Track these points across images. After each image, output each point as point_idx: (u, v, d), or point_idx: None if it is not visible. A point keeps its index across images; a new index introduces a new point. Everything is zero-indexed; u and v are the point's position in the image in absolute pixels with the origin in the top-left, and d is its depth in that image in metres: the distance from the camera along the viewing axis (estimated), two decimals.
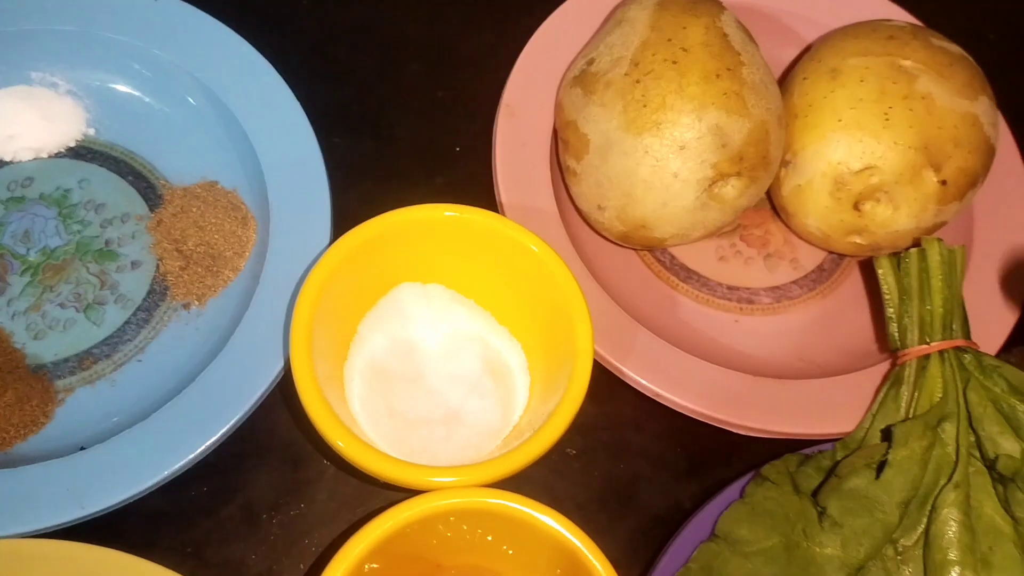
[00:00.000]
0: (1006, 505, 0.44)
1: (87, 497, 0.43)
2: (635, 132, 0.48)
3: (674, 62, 0.49)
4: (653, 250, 0.55)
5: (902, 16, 0.60)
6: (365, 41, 0.62)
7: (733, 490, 0.47)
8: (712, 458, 0.51)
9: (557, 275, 0.47)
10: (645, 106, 0.48)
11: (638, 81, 0.49)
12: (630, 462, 0.52)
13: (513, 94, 0.55)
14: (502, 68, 0.56)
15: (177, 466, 0.45)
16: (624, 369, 0.49)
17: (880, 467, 0.45)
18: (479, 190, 0.54)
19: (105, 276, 0.51)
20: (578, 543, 0.42)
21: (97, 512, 0.43)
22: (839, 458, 0.46)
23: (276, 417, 0.50)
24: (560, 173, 0.55)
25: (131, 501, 0.44)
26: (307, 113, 0.54)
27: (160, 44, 0.54)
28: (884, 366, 0.51)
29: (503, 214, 0.52)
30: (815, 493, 0.45)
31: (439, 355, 0.50)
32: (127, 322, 0.50)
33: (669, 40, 0.50)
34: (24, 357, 0.49)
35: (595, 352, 0.47)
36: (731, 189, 0.49)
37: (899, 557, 0.44)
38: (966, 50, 0.53)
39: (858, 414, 0.49)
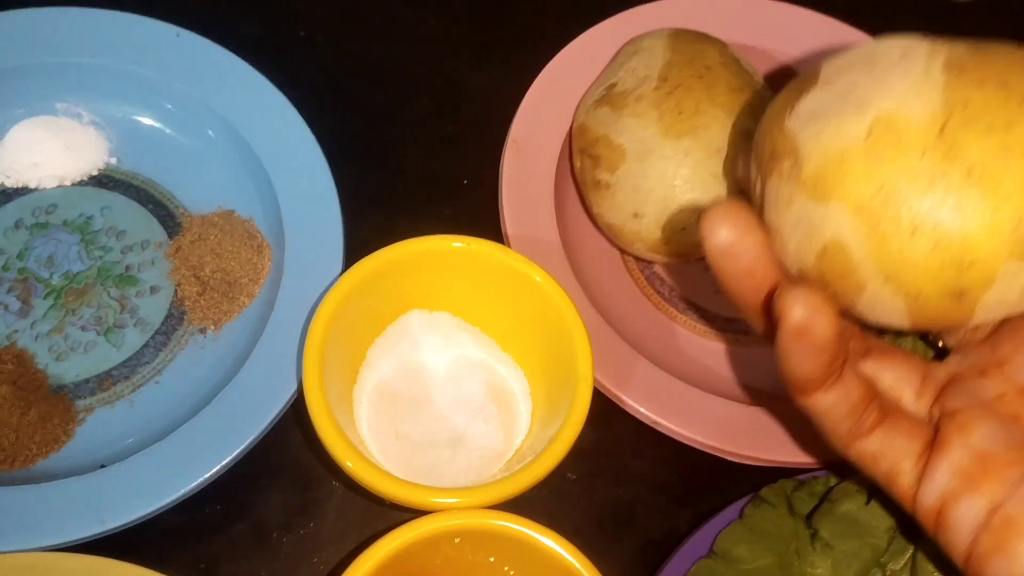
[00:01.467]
0: None
1: (107, 513, 0.45)
2: (674, 136, 0.51)
3: (700, 77, 0.53)
4: (685, 258, 0.56)
5: None
6: (377, 77, 0.64)
7: (728, 513, 0.48)
8: (708, 484, 0.53)
9: (560, 305, 0.49)
10: (680, 113, 0.51)
11: (670, 93, 0.52)
12: (629, 487, 0.53)
13: (520, 130, 0.57)
14: (508, 104, 0.59)
15: (194, 484, 0.46)
16: (623, 397, 0.51)
17: (871, 493, 0.46)
18: (486, 220, 0.56)
19: (125, 300, 0.53)
20: (576, 564, 0.44)
21: (117, 527, 0.45)
22: (832, 484, 0.48)
23: (288, 439, 0.52)
24: (580, 196, 0.58)
25: (148, 518, 0.46)
26: (321, 146, 0.56)
27: (182, 78, 0.57)
28: None
29: (509, 245, 0.54)
30: (809, 516, 0.47)
31: (445, 380, 0.52)
32: (146, 345, 0.52)
33: (691, 60, 0.53)
34: (47, 378, 0.51)
35: (595, 380, 0.49)
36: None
37: (881, 574, 0.45)
38: None
39: None
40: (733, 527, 0.47)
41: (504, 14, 0.68)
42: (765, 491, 0.48)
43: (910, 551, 0.45)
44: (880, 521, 0.45)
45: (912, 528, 0.44)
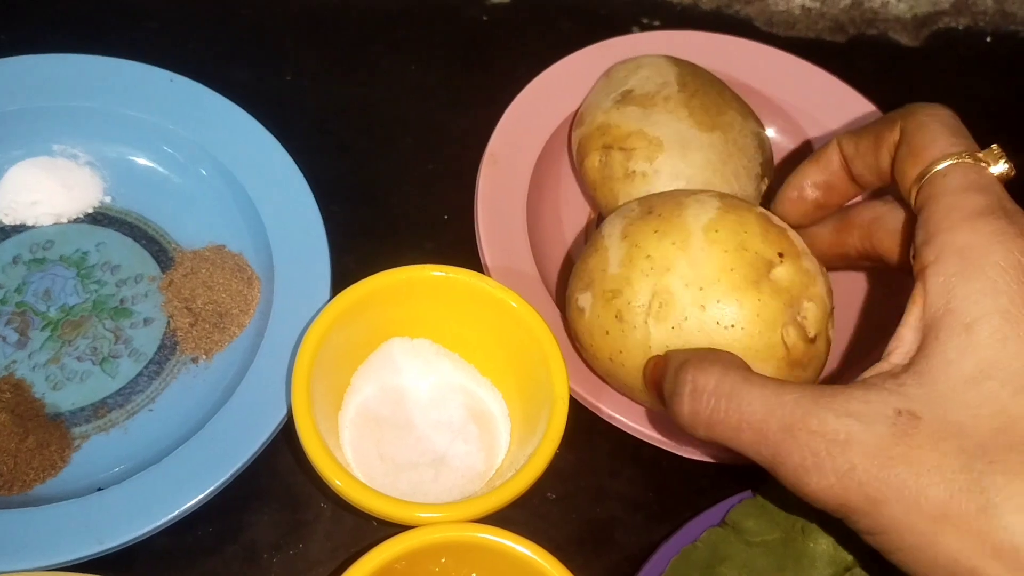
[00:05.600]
0: None
1: (104, 534, 0.47)
2: (706, 130, 0.56)
3: (712, 83, 0.59)
4: None
5: (861, 102, 0.66)
6: (362, 119, 0.67)
7: (706, 517, 0.51)
8: (683, 502, 0.55)
9: (535, 329, 0.52)
10: (707, 111, 0.57)
11: (693, 94, 0.58)
12: (606, 505, 0.55)
13: (497, 145, 0.61)
14: (485, 144, 0.62)
15: (188, 505, 0.48)
16: (600, 406, 0.53)
17: None
18: (465, 253, 0.59)
19: (120, 332, 0.55)
20: (553, 572, 0.46)
21: (114, 548, 0.47)
22: None
23: (278, 462, 0.54)
24: (589, 196, 0.62)
25: (143, 538, 0.48)
26: (308, 183, 0.59)
27: (174, 120, 0.60)
28: None
29: (487, 272, 0.57)
30: None
31: (426, 404, 0.54)
32: (139, 374, 0.54)
33: (696, 72, 0.60)
34: (44, 406, 0.53)
35: (573, 391, 0.51)
36: (765, 187, 0.58)
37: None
38: None
39: None
40: (746, 503, 0.50)
41: (481, 59, 0.71)
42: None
43: None
44: None
45: None
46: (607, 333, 0.50)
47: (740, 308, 0.47)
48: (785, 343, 0.48)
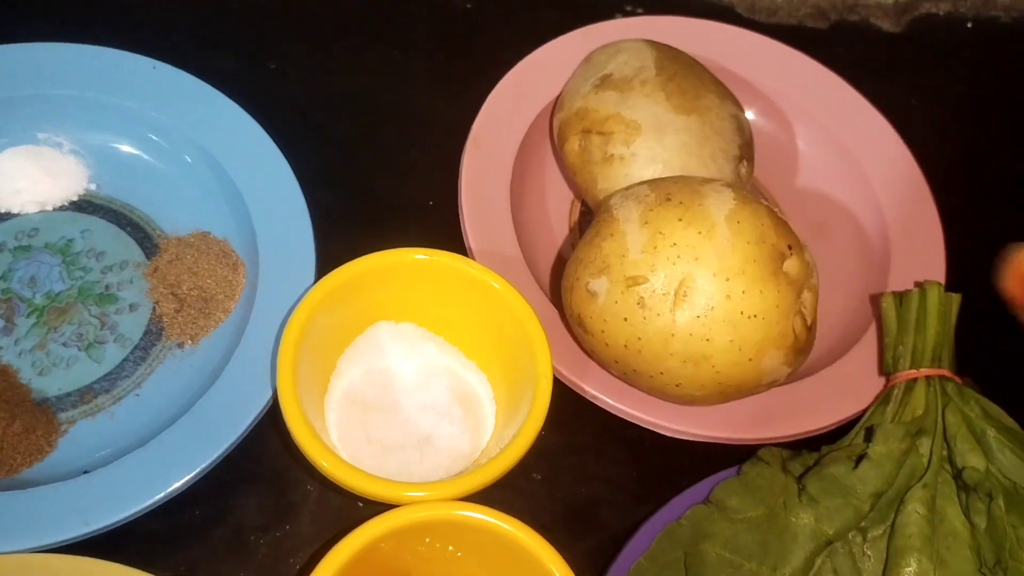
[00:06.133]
0: (967, 512, 0.48)
1: (91, 515, 0.47)
2: (684, 113, 0.57)
3: (691, 67, 0.60)
4: None
5: (843, 87, 0.67)
6: (346, 107, 0.68)
7: (689, 495, 0.51)
8: (666, 481, 0.55)
9: (518, 310, 0.52)
10: (684, 94, 0.58)
11: (671, 78, 0.58)
12: (590, 486, 0.56)
13: (480, 129, 0.62)
14: (468, 132, 0.62)
15: (174, 487, 0.49)
16: (583, 386, 0.54)
17: (859, 461, 0.50)
18: (450, 239, 0.59)
19: (105, 318, 0.56)
20: (536, 547, 0.46)
21: (100, 529, 0.47)
22: (823, 455, 0.52)
23: (264, 446, 0.54)
24: (569, 180, 0.63)
25: (131, 520, 0.48)
26: (293, 171, 0.59)
27: (158, 107, 0.60)
28: (837, 378, 0.56)
29: (472, 256, 0.57)
30: (800, 477, 0.50)
31: (412, 386, 0.54)
32: (125, 360, 0.55)
33: (675, 57, 0.60)
34: (30, 391, 0.53)
35: (556, 372, 0.52)
36: (744, 169, 0.59)
37: (865, 544, 0.48)
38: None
39: (812, 419, 0.55)
40: (729, 481, 0.50)
41: (465, 47, 0.72)
42: (763, 452, 0.52)
43: (891, 519, 0.48)
44: (865, 486, 0.49)
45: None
46: (625, 320, 0.50)
47: (763, 298, 0.48)
48: (794, 331, 0.50)
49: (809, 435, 0.55)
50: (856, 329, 0.59)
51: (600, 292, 0.50)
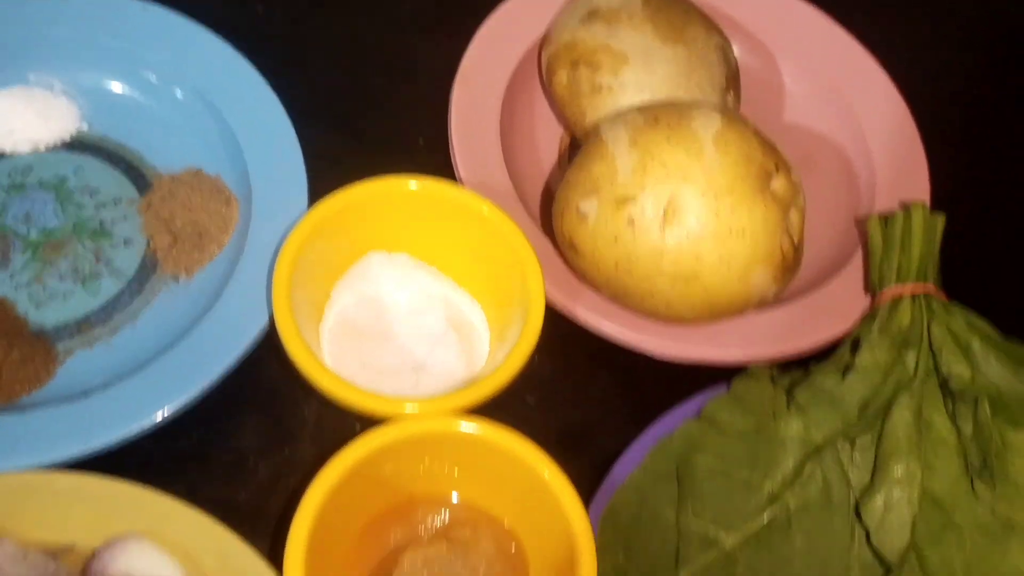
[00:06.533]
0: (953, 419, 0.49)
1: (91, 434, 0.48)
2: (671, 43, 0.58)
3: (677, 1, 0.60)
4: None
5: (823, 19, 0.68)
6: (335, 51, 0.68)
7: (681, 411, 0.52)
8: (658, 403, 0.55)
9: (509, 235, 0.53)
10: (671, 25, 0.58)
11: (658, 10, 0.59)
12: (583, 409, 0.57)
13: (468, 65, 0.62)
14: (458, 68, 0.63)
15: (174, 408, 0.49)
16: (575, 310, 0.55)
17: (846, 372, 0.51)
18: (440, 176, 0.59)
19: (100, 252, 0.56)
20: (531, 456, 0.47)
21: (100, 448, 0.48)
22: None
23: (261, 374, 0.54)
24: (559, 112, 0.62)
25: (130, 441, 0.49)
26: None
27: (149, 47, 0.60)
28: (824, 300, 0.57)
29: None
30: (789, 390, 0.51)
31: (406, 314, 0.55)
32: (121, 292, 0.55)
33: None
34: (27, 323, 0.53)
35: (548, 297, 0.52)
36: (731, 99, 0.59)
37: (853, 452, 0.49)
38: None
39: (801, 340, 0.55)
40: (720, 397, 0.51)
41: None
42: (752, 368, 0.52)
43: (878, 427, 0.49)
44: (852, 395, 0.50)
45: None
46: (615, 240, 0.51)
47: (750, 216, 0.49)
48: (782, 249, 0.50)
49: (798, 355, 0.56)
50: (843, 256, 0.60)
51: (591, 213, 0.51)
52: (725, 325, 0.55)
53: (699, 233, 0.49)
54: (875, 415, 0.49)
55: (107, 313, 0.55)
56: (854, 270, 0.59)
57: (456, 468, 0.50)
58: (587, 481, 0.53)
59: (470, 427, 0.47)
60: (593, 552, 0.45)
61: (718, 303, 0.51)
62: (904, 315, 0.53)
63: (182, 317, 0.54)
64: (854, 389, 0.50)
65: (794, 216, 0.51)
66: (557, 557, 0.47)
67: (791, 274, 0.52)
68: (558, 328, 0.56)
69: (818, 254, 0.60)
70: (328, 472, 0.45)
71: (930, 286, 0.54)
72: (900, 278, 0.54)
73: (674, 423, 0.52)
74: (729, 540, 0.48)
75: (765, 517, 0.48)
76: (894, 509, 0.46)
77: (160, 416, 0.49)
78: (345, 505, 0.47)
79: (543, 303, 0.51)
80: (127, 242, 0.57)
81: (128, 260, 0.56)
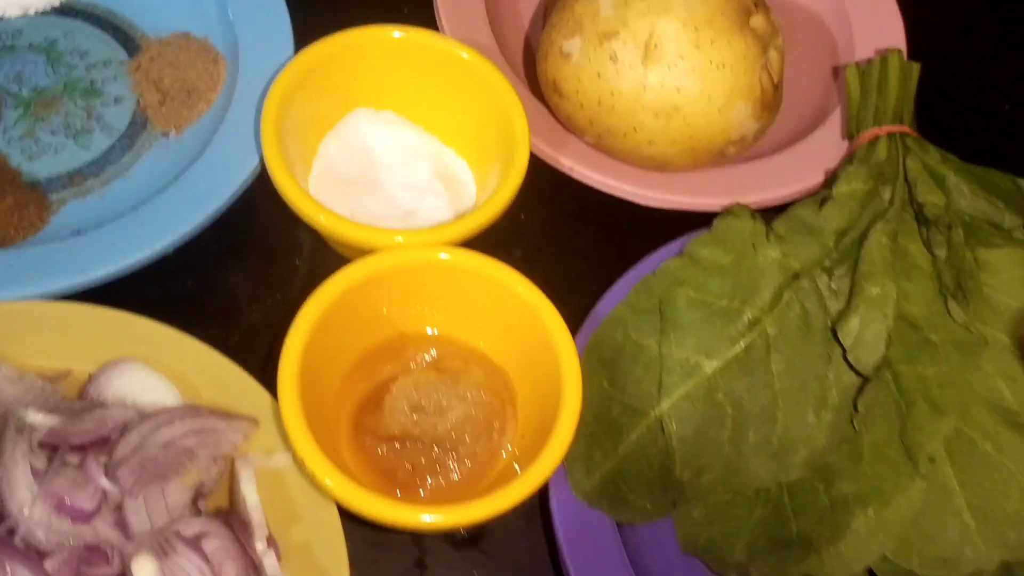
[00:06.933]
0: (928, 245, 0.50)
1: (86, 266, 0.49)
2: None
3: None
4: None
5: None
6: None
7: (664, 251, 0.54)
8: (640, 255, 0.57)
9: (493, 80, 0.54)
10: None
11: None
12: (569, 261, 0.58)
13: None
14: None
15: (169, 243, 0.50)
16: (560, 159, 0.56)
17: (823, 201, 0.52)
18: None
19: (91, 110, 0.57)
20: (515, 283, 0.48)
21: (96, 280, 0.49)
22: None
23: (253, 224, 0.55)
24: None
25: (125, 276, 0.50)
26: None
27: None
28: (805, 152, 0.58)
29: None
30: (768, 223, 0.52)
31: (393, 166, 0.56)
32: (112, 147, 0.56)
33: None
34: (20, 174, 0.54)
35: (534, 147, 0.53)
36: None
37: (831, 282, 0.50)
38: None
39: (782, 187, 0.57)
40: (701, 236, 0.52)
41: None
42: (733, 207, 0.53)
43: (854, 257, 0.50)
44: (829, 224, 0.51)
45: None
46: (599, 76, 0.52)
47: (730, 48, 0.50)
48: (761, 84, 0.51)
49: (778, 202, 0.57)
50: (822, 113, 0.61)
51: (574, 52, 0.52)
52: (707, 174, 0.56)
53: (680, 65, 0.50)
54: (852, 244, 0.50)
55: (99, 166, 0.55)
56: (832, 126, 0.60)
57: (446, 306, 0.51)
58: (573, 325, 0.54)
59: (457, 255, 0.49)
60: (578, 373, 0.46)
61: (699, 139, 0.52)
62: (881, 151, 0.54)
63: (172, 170, 0.55)
64: (831, 218, 0.51)
65: (773, 55, 0.52)
66: (544, 390, 0.48)
67: (770, 113, 0.53)
68: (544, 186, 0.57)
69: (798, 112, 0.61)
70: (320, 295, 0.47)
71: (906, 127, 0.55)
72: (877, 121, 0.55)
73: (657, 263, 0.53)
74: (710, 366, 0.49)
75: (744, 343, 0.49)
76: (869, 326, 0.47)
77: (154, 251, 0.50)
78: (337, 334, 0.48)
79: (528, 140, 0.52)
80: (118, 100, 0.58)
81: (119, 117, 0.57)
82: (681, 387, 0.49)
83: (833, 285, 0.50)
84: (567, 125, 0.56)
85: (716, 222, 0.53)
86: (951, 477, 0.46)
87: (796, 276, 0.50)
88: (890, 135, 0.55)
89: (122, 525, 0.41)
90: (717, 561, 0.48)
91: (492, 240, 0.51)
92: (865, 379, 0.47)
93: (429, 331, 0.52)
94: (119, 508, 0.42)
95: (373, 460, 0.48)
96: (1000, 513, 0.46)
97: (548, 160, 0.56)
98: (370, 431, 0.48)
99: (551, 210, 0.59)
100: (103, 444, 0.44)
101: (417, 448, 0.48)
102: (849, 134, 0.57)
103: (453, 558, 0.50)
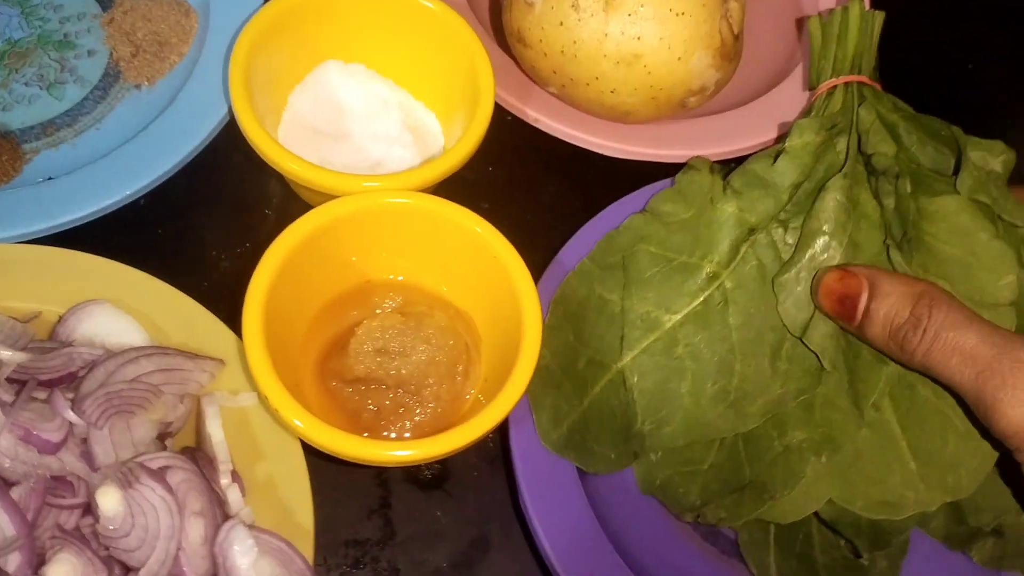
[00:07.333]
0: (877, 195, 0.50)
1: (56, 210, 0.50)
2: None
3: None
4: None
5: None
6: None
7: (628, 202, 0.55)
8: (605, 205, 0.58)
9: (456, 29, 0.54)
10: None
11: None
12: (536, 214, 0.59)
13: None
14: None
15: (137, 188, 0.51)
16: (526, 109, 0.57)
17: (777, 155, 0.52)
18: None
19: (64, 62, 0.58)
20: (481, 229, 0.49)
21: (64, 224, 0.50)
22: None
23: (225, 176, 0.56)
24: None
25: (93, 219, 0.51)
26: None
27: None
28: (766, 107, 0.59)
29: None
30: (726, 177, 0.52)
31: (362, 116, 0.57)
32: (85, 99, 0.57)
33: None
34: None
35: (501, 98, 0.54)
36: None
37: (786, 234, 0.50)
38: None
39: (743, 139, 0.58)
40: (664, 191, 0.53)
41: None
42: (694, 160, 0.53)
43: (807, 210, 0.50)
44: (783, 178, 0.51)
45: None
46: (561, 24, 0.52)
47: None
48: (721, 34, 0.52)
49: (737, 154, 0.58)
50: (785, 69, 0.62)
51: (537, 1, 0.53)
52: (671, 126, 0.57)
53: (640, 13, 0.51)
54: (806, 196, 0.51)
55: (72, 117, 0.56)
56: (795, 80, 0.61)
57: (412, 253, 0.52)
58: (538, 274, 0.55)
59: (419, 199, 0.49)
60: (539, 316, 0.47)
61: (660, 88, 0.53)
62: (836, 102, 0.54)
63: (144, 121, 0.56)
64: (785, 172, 0.51)
65: (733, 6, 0.53)
66: (507, 334, 0.49)
67: (730, 63, 0.54)
68: (512, 139, 0.58)
69: (763, 66, 0.62)
70: (285, 238, 0.47)
71: (863, 77, 0.55)
72: (835, 72, 0.56)
73: (619, 213, 0.54)
74: (670, 321, 0.49)
75: (703, 297, 0.50)
76: (804, 283, 0.48)
77: (123, 196, 0.51)
78: (303, 278, 0.49)
79: (492, 89, 0.52)
80: (91, 53, 0.58)
81: (92, 69, 0.58)
82: (642, 341, 0.49)
83: (788, 239, 0.50)
84: (532, 76, 0.57)
85: (678, 177, 0.54)
86: (894, 423, 0.47)
87: (752, 230, 0.50)
88: (847, 85, 0.55)
89: (88, 457, 0.43)
90: (673, 502, 0.49)
91: (461, 192, 0.52)
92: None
93: (396, 278, 0.53)
94: (85, 441, 0.43)
95: (338, 402, 0.49)
96: (939, 457, 0.47)
97: (515, 111, 0.57)
98: (335, 374, 0.49)
99: (518, 162, 0.60)
100: (70, 380, 0.45)
101: (381, 390, 0.49)
102: (810, 85, 0.57)
103: (418, 498, 0.51)
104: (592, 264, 0.52)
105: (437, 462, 0.51)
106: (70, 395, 0.44)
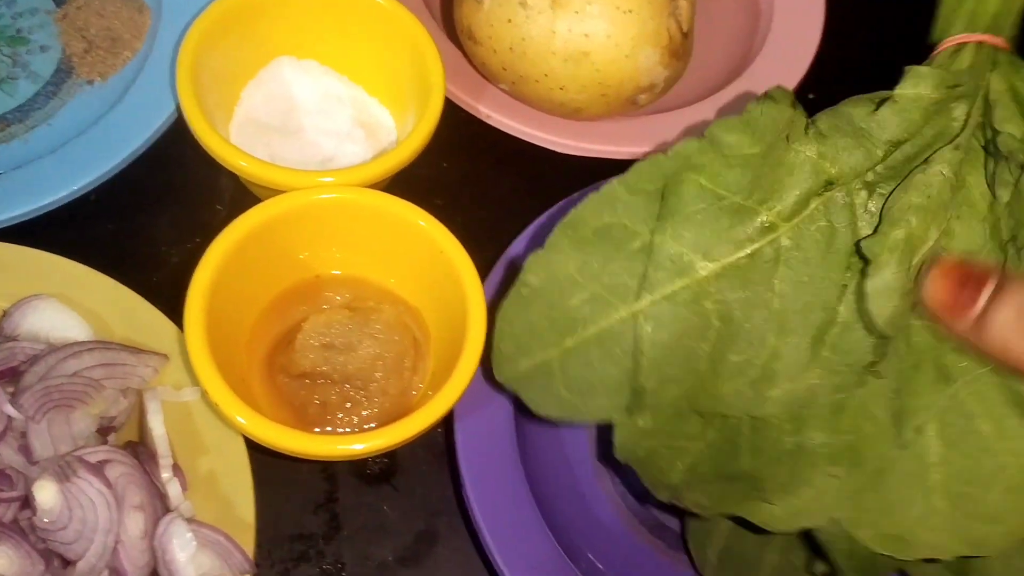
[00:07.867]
0: (991, 183, 0.43)
1: (3, 204, 0.50)
2: None
3: None
4: None
5: None
6: None
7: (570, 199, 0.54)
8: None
9: (406, 24, 0.54)
10: None
11: None
12: (489, 210, 0.59)
13: None
14: None
15: (85, 183, 0.51)
16: (478, 106, 0.57)
17: (881, 103, 0.43)
18: None
19: (17, 57, 0.58)
20: (428, 225, 0.49)
21: (12, 219, 0.50)
22: None
23: (176, 173, 0.56)
24: None
25: (43, 213, 0.51)
26: None
27: None
28: (715, 104, 0.59)
29: None
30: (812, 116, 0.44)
31: (314, 112, 0.57)
32: (37, 94, 0.57)
33: None
34: None
35: (453, 95, 0.55)
36: None
37: (870, 200, 0.42)
38: None
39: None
40: (730, 119, 0.43)
41: None
42: (773, 90, 0.44)
43: (903, 176, 0.42)
44: (882, 131, 0.43)
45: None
46: (509, 21, 0.52)
47: None
48: (669, 32, 0.52)
49: None
50: (738, 68, 0.62)
51: None
52: (623, 123, 0.57)
53: (588, 11, 0.51)
54: (905, 161, 0.42)
55: (23, 113, 0.56)
56: (748, 80, 0.61)
57: (360, 248, 0.52)
58: (488, 270, 0.56)
59: (361, 194, 0.49)
60: (484, 311, 0.47)
61: (609, 84, 0.53)
62: (964, 60, 0.45)
63: (96, 119, 0.56)
64: (886, 124, 0.43)
65: (683, 4, 0.53)
66: (454, 329, 0.49)
67: (679, 61, 0.54)
68: (465, 136, 0.58)
69: (717, 65, 0.63)
70: (229, 232, 0.47)
71: (1000, 40, 0.46)
72: (969, 27, 0.46)
73: (569, 208, 0.54)
74: (705, 269, 0.42)
75: (751, 250, 0.42)
76: (896, 265, 0.40)
77: (70, 192, 0.51)
78: (249, 273, 0.49)
79: (443, 85, 0.52)
80: (44, 48, 0.58)
81: (45, 65, 0.58)
82: (667, 285, 0.42)
83: (871, 205, 0.42)
84: (483, 72, 0.57)
85: (750, 107, 0.44)
86: (933, 452, 0.41)
87: (830, 184, 0.42)
88: (980, 44, 0.45)
89: (26, 451, 0.43)
90: (651, 476, 0.44)
91: (413, 189, 0.52)
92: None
93: (345, 273, 0.53)
94: (24, 435, 0.43)
95: (285, 397, 0.49)
96: (975, 504, 0.41)
97: (467, 108, 0.57)
98: (282, 369, 0.49)
99: (472, 159, 0.60)
100: (12, 375, 0.45)
101: (328, 385, 0.49)
102: (933, 37, 0.48)
103: (364, 492, 0.51)
104: (622, 187, 0.43)
105: (384, 456, 0.52)
106: (11, 389, 0.44)
